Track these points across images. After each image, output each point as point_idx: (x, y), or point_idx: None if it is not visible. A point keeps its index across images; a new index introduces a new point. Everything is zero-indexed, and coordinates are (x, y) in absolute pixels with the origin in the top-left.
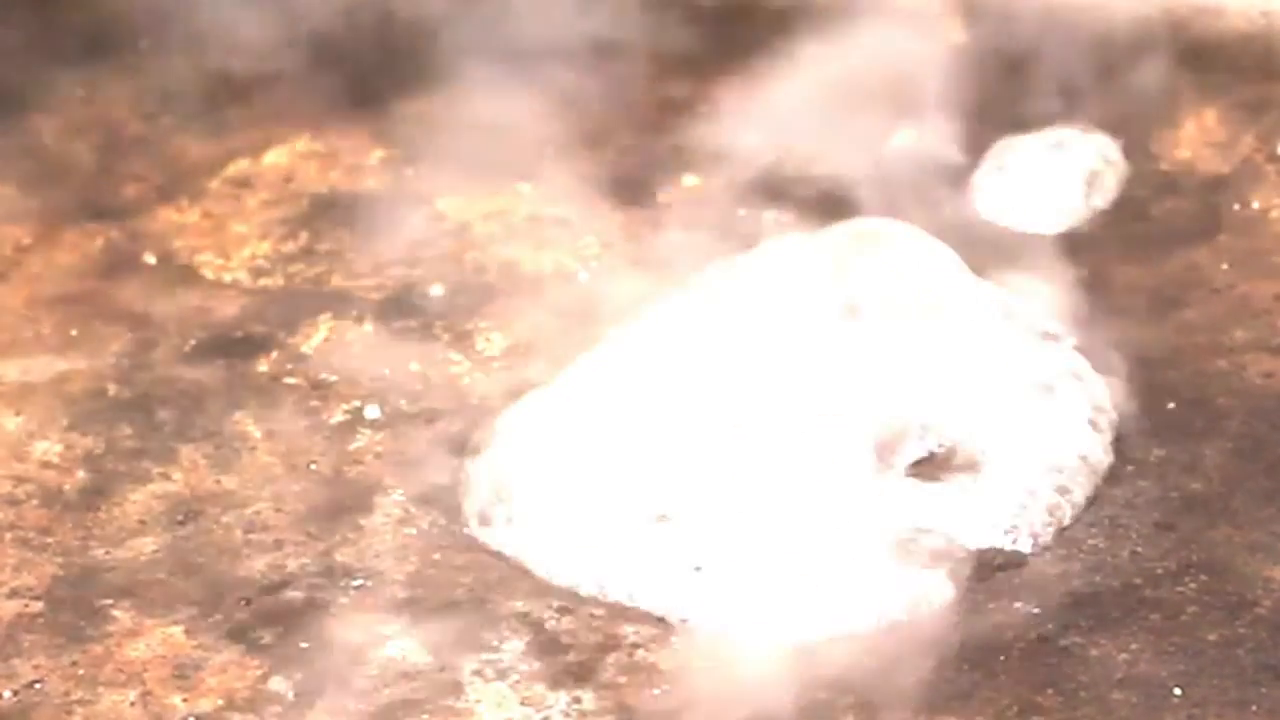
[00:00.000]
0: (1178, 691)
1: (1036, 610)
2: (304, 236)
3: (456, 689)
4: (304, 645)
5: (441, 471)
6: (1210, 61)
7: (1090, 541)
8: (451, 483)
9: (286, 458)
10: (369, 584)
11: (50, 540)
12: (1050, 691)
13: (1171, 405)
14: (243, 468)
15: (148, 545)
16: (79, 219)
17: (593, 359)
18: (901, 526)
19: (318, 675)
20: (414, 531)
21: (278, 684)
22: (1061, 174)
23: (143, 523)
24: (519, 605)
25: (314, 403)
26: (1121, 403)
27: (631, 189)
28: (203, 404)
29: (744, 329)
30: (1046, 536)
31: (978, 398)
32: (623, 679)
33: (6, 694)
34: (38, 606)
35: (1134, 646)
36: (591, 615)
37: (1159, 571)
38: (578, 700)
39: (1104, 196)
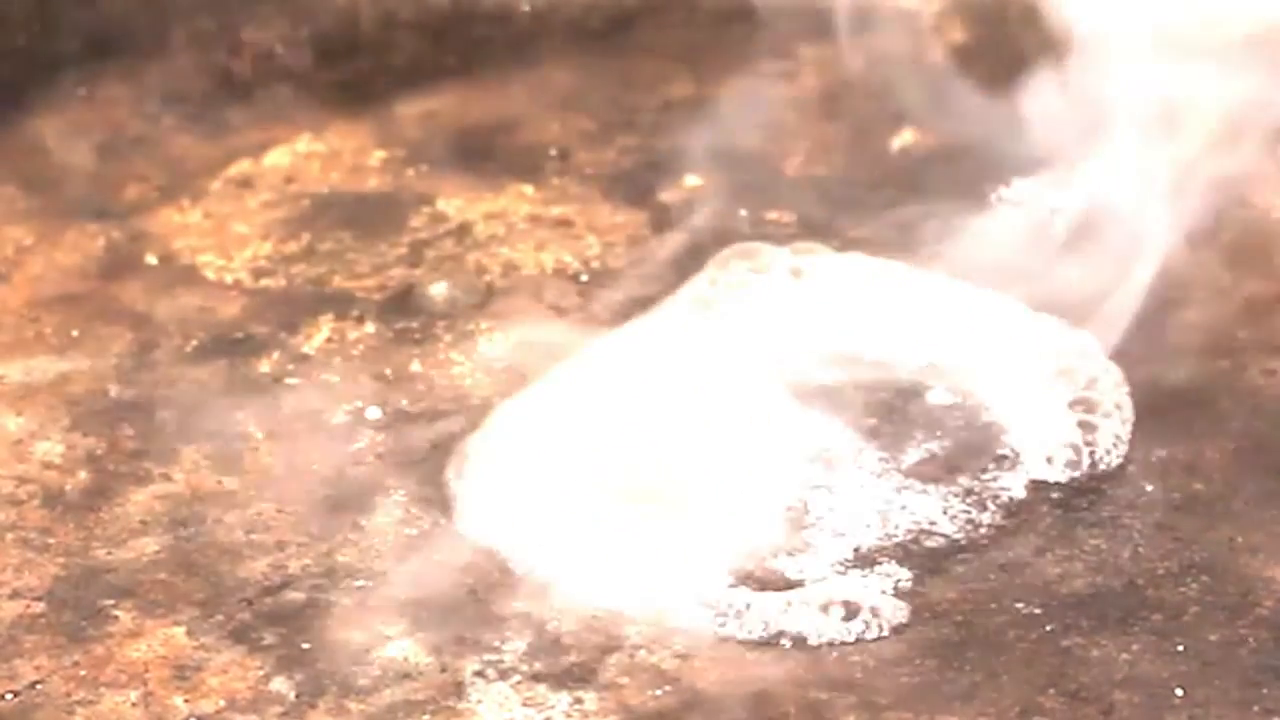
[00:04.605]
0: (1179, 692)
1: (1038, 610)
2: (305, 237)
3: (458, 690)
4: (305, 646)
5: (442, 472)
6: (1210, 62)
7: (1092, 542)
8: (452, 483)
9: (288, 458)
10: (370, 584)
11: (52, 541)
12: (1052, 692)
13: (1173, 405)
14: (244, 468)
15: (149, 546)
16: (80, 219)
17: (588, 359)
18: (904, 525)
19: (319, 676)
20: (415, 532)
21: (279, 684)
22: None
23: (144, 523)
24: (520, 605)
25: (315, 403)
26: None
27: (631, 189)
28: (204, 404)
29: (739, 334)
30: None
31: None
32: (624, 679)
33: (8, 695)
34: (39, 607)
35: (1135, 647)
36: (593, 616)
37: (1160, 572)
38: (579, 701)
39: None
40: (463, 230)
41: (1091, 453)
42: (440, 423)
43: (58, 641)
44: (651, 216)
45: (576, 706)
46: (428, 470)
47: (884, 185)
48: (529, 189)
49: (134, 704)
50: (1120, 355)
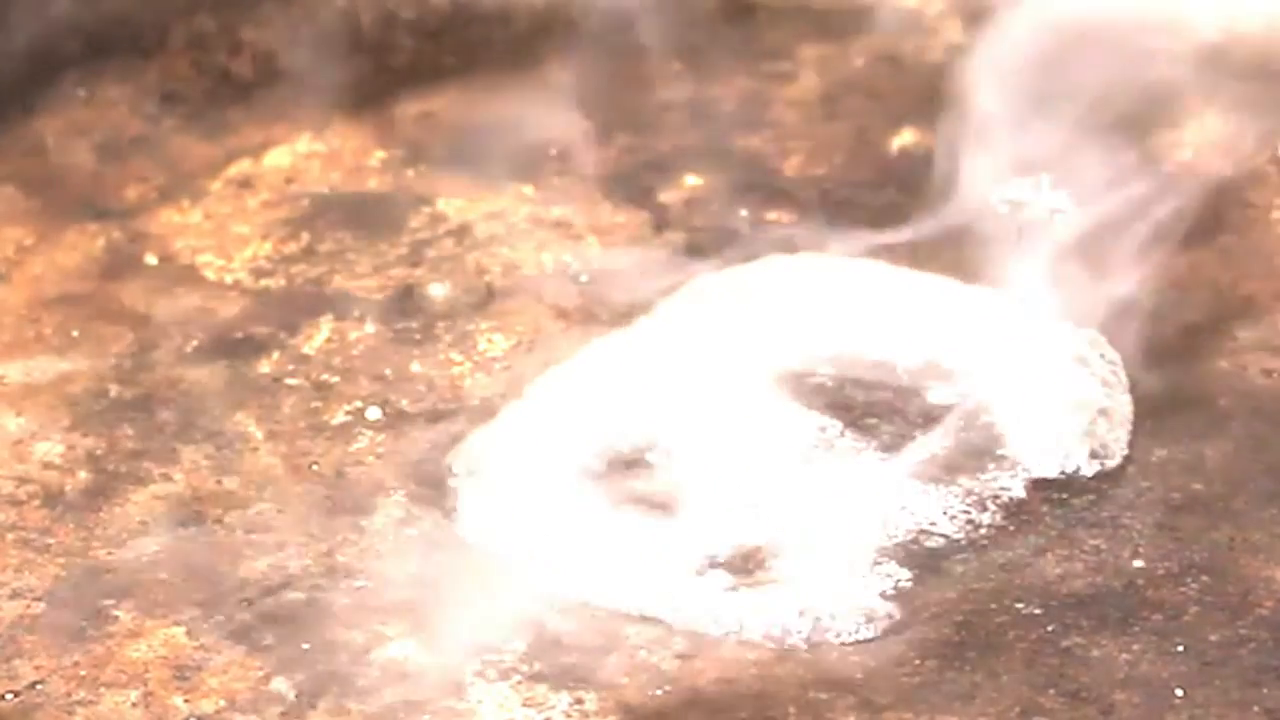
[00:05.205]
0: (1179, 692)
1: (1038, 611)
2: (305, 237)
3: (458, 689)
4: (305, 646)
5: (442, 472)
6: (1212, 63)
7: (1092, 542)
8: (452, 483)
9: (288, 458)
10: (370, 584)
11: (52, 541)
12: (1052, 692)
13: (1173, 405)
14: (244, 468)
15: (149, 546)
16: (80, 219)
17: (587, 359)
18: (904, 525)
19: (319, 676)
20: (415, 532)
21: (279, 685)
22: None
23: (144, 523)
24: (520, 605)
25: (315, 403)
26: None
27: (631, 189)
28: (204, 405)
29: (739, 333)
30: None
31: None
32: (624, 679)
33: (8, 695)
34: (39, 607)
35: (1136, 647)
36: (593, 616)
37: (1160, 572)
38: (579, 701)
39: None
40: (463, 230)
41: (1091, 453)
42: (440, 423)
43: (58, 641)
44: (651, 216)
45: (576, 706)
46: (428, 470)
47: (884, 185)
48: (529, 189)
49: (134, 704)
50: (1120, 355)
